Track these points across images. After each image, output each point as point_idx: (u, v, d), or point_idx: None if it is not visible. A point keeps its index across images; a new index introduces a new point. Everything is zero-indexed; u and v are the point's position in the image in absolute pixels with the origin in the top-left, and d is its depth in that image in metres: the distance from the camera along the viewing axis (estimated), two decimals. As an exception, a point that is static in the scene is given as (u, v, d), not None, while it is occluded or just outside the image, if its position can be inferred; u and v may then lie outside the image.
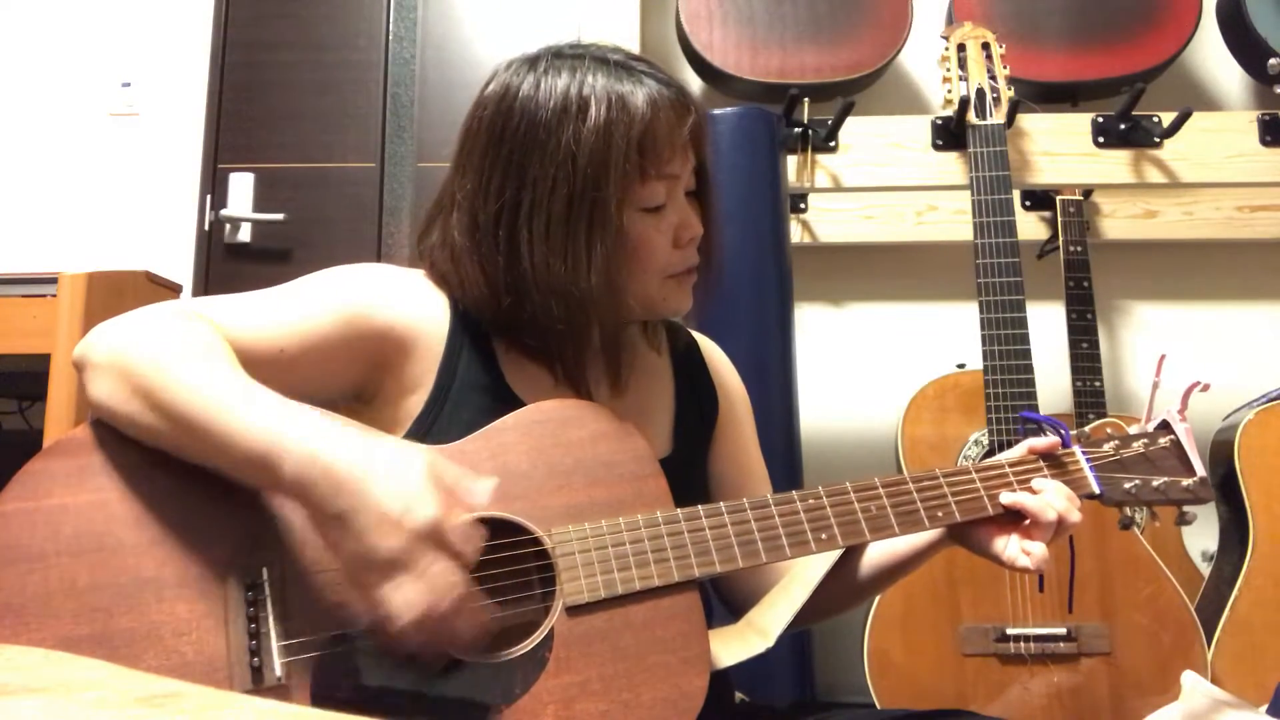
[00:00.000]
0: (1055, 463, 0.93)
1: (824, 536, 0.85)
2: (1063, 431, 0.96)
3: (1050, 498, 0.89)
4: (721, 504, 0.85)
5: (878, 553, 0.98)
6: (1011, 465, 0.92)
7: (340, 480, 0.69)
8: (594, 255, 0.86)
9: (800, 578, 0.92)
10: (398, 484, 0.70)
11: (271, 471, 0.71)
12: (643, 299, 0.92)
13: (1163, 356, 1.05)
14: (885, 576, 0.98)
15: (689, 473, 0.98)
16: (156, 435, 0.76)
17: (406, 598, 0.68)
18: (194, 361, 0.76)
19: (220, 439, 0.73)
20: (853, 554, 0.97)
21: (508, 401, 0.89)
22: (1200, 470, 0.95)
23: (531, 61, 0.91)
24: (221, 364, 0.77)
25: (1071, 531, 0.90)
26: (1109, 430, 0.98)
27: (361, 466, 0.70)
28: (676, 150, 0.89)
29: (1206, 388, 1.00)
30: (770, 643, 0.84)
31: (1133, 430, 0.98)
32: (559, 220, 0.86)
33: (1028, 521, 0.89)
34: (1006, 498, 0.90)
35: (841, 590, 0.98)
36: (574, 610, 0.78)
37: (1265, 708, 1.32)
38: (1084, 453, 0.95)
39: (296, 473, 0.70)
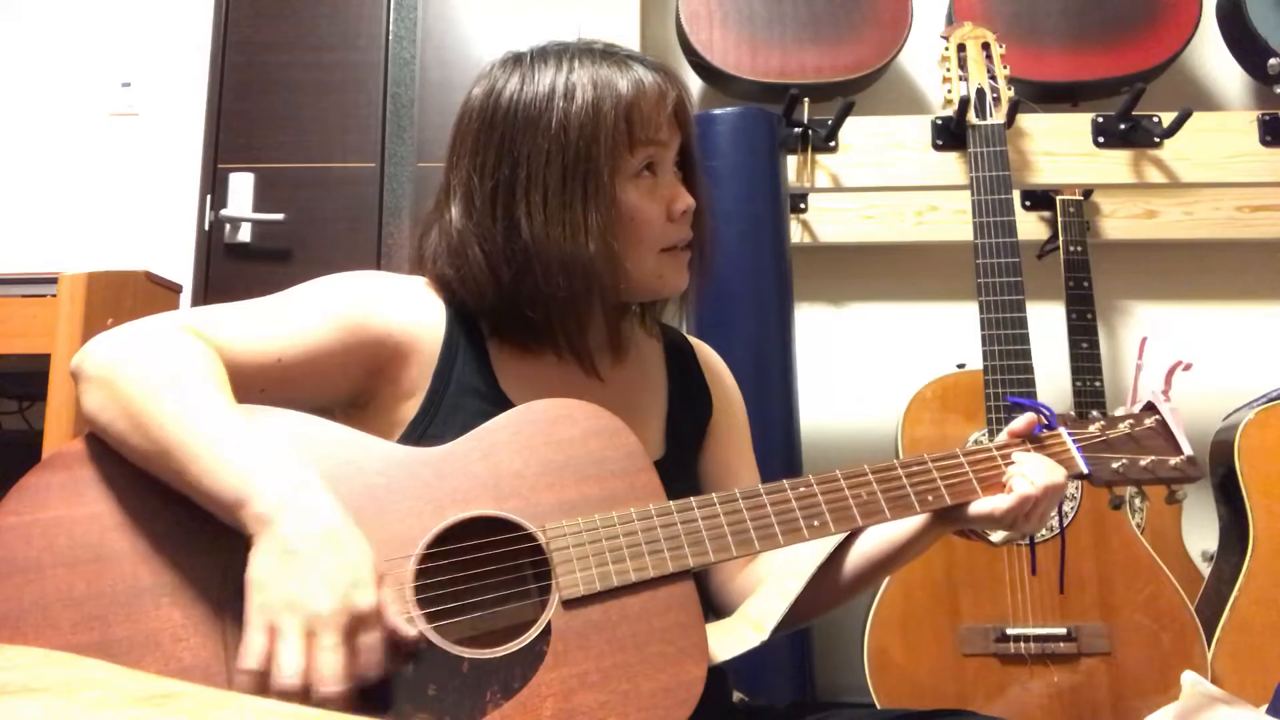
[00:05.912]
0: (1042, 445, 0.94)
1: (816, 524, 0.86)
2: (1048, 414, 0.96)
3: (1027, 470, 0.89)
4: (714, 495, 0.85)
5: (869, 544, 0.96)
6: (999, 449, 0.93)
7: (295, 549, 0.69)
8: (590, 223, 0.88)
9: (792, 571, 0.92)
10: (350, 563, 0.70)
11: (234, 515, 0.72)
12: (640, 273, 0.93)
13: (1144, 339, 1.05)
14: (878, 568, 0.96)
15: (681, 476, 0.98)
16: (141, 456, 0.75)
17: (335, 663, 0.67)
18: (181, 389, 0.76)
19: (195, 474, 0.73)
20: (844, 547, 0.96)
21: (500, 405, 0.89)
22: (1187, 449, 0.95)
23: (517, 59, 0.95)
24: (210, 394, 0.76)
25: (1054, 498, 0.88)
26: (1094, 414, 0.98)
27: (321, 538, 0.70)
28: (663, 122, 0.92)
29: (1189, 367, 1.00)
30: (764, 637, 0.84)
31: (1118, 412, 0.98)
32: (555, 191, 0.88)
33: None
34: (985, 503, 0.89)
35: (834, 584, 0.97)
36: (570, 604, 0.78)
37: (1265, 708, 1.32)
38: (1070, 434, 0.95)
39: (263, 514, 0.70)
